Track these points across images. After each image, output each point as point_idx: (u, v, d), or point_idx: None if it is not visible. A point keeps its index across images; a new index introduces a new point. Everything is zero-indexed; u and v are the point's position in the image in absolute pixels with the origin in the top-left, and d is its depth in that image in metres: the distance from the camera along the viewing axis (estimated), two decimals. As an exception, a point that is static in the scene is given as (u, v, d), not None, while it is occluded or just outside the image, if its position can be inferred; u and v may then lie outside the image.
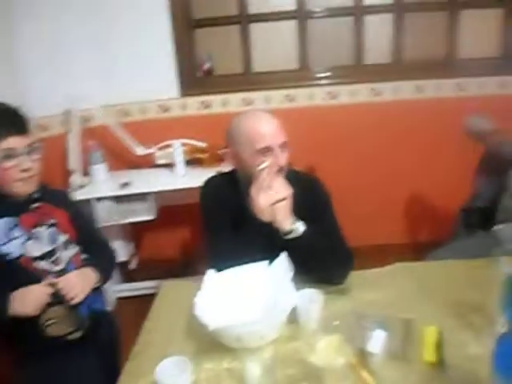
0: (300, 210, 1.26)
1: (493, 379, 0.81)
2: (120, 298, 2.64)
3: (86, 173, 2.51)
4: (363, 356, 1.00)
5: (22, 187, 1.31)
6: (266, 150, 1.28)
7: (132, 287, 2.67)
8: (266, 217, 1.23)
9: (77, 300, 1.28)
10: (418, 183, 2.80)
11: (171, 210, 2.59)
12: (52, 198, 1.44)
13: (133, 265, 2.91)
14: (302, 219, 1.26)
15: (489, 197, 1.95)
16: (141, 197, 2.37)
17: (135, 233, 2.88)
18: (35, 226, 1.34)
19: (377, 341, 0.98)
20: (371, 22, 2.71)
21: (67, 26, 2.48)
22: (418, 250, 1.90)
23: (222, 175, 1.55)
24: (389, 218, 2.85)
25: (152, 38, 2.62)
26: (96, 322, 1.39)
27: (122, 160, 2.70)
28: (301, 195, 1.26)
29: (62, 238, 1.40)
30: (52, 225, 1.38)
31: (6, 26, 2.31)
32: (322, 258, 1.25)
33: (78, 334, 1.33)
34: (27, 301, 1.22)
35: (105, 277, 1.47)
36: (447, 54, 2.75)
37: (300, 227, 1.23)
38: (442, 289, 1.27)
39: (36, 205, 1.37)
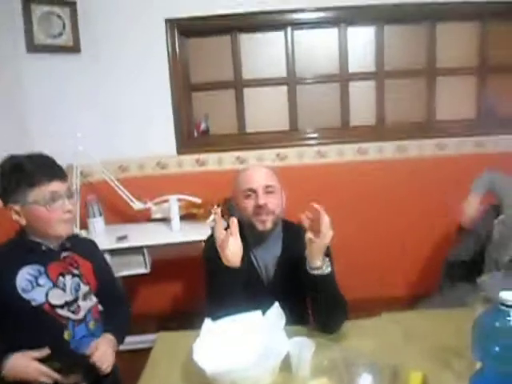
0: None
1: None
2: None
3: (83, 226, 2.58)
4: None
5: (65, 229, 1.37)
6: (250, 192, 1.44)
7: (126, 341, 2.66)
8: (235, 264, 1.34)
9: (107, 371, 1.34)
10: (402, 240, 2.91)
11: (165, 264, 2.65)
12: (80, 248, 1.49)
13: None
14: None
15: (472, 249, 2.04)
16: (136, 250, 2.43)
17: (128, 286, 2.90)
18: (60, 275, 1.39)
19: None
20: (356, 87, 2.93)
21: (73, 83, 2.65)
22: (408, 303, 1.97)
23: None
24: (377, 272, 2.93)
25: (153, 99, 2.80)
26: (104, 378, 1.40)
27: (119, 214, 2.79)
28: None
29: (84, 288, 1.44)
30: (76, 275, 1.43)
31: (16, 87, 2.48)
32: (334, 301, 1.34)
33: None
34: (26, 371, 1.25)
35: (122, 339, 1.52)
36: (426, 117, 2.97)
37: (328, 265, 1.32)
38: (426, 337, 1.34)
39: (65, 254, 1.43)
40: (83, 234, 2.52)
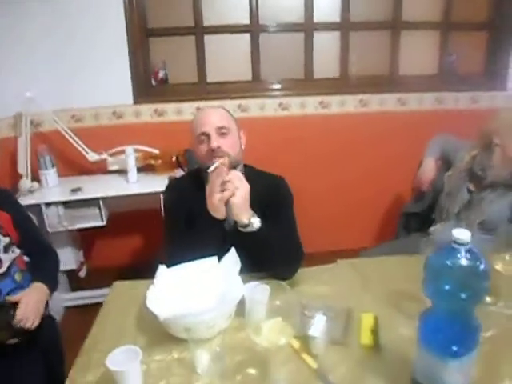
0: (261, 204, 1.33)
1: (417, 351, 0.90)
2: (68, 307, 2.58)
3: (36, 178, 2.45)
4: (305, 340, 1.06)
5: None
6: (204, 136, 1.39)
7: (81, 296, 2.62)
8: (219, 214, 1.29)
9: (34, 326, 1.30)
10: (362, 191, 2.96)
11: (122, 216, 2.59)
12: None
13: (82, 273, 2.85)
14: (262, 214, 1.31)
15: (426, 202, 2.10)
16: (91, 203, 2.36)
17: (84, 240, 2.84)
18: None
19: (318, 325, 1.05)
20: (320, 38, 2.86)
21: (24, 26, 2.45)
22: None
23: (187, 175, 1.61)
24: (336, 225, 2.98)
25: (107, 45, 2.63)
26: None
27: (73, 166, 2.67)
28: (264, 191, 1.32)
29: (4, 240, 1.38)
30: None
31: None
32: (275, 253, 1.31)
33: (16, 339, 1.31)
34: None
35: (54, 286, 1.47)
36: (389, 71, 2.95)
37: (256, 222, 1.28)
38: (380, 282, 1.37)
39: None
40: (35, 186, 2.41)
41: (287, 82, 2.88)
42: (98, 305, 2.52)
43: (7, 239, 1.38)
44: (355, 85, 2.91)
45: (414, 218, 2.16)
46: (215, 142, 1.37)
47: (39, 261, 1.48)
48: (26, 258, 1.45)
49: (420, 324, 0.89)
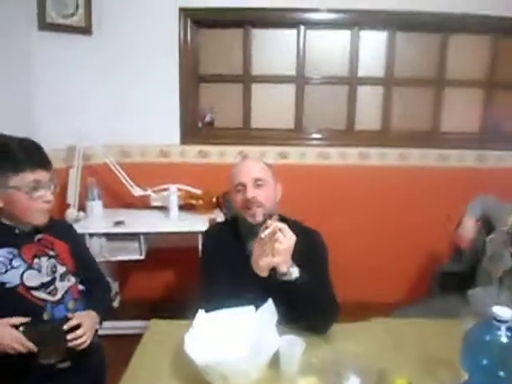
0: (299, 258, 1.35)
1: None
2: (99, 336, 2.63)
3: (81, 208, 2.58)
4: (338, 401, 1.06)
5: (41, 218, 1.37)
6: (241, 186, 1.46)
7: (113, 326, 2.67)
8: (263, 274, 1.33)
9: (84, 346, 1.33)
10: (399, 246, 2.93)
11: (160, 252, 2.66)
12: (54, 229, 1.48)
13: (115, 303, 2.93)
14: (298, 266, 1.34)
15: (468, 261, 2.07)
16: (132, 236, 2.44)
17: (121, 271, 2.92)
18: (35, 257, 1.37)
19: (352, 386, 1.06)
20: (364, 92, 2.94)
21: (81, 64, 2.65)
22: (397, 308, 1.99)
23: (224, 222, 1.66)
24: (370, 277, 2.95)
25: (160, 87, 2.80)
26: (85, 351, 1.40)
27: (118, 199, 2.79)
28: (300, 244, 1.36)
29: (61, 269, 1.43)
30: (52, 256, 1.42)
31: (25, 64, 2.47)
32: (312, 306, 1.33)
33: (66, 364, 1.35)
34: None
35: (105, 316, 1.51)
36: (431, 126, 2.98)
37: (295, 271, 1.31)
38: (414, 344, 1.35)
39: (39, 236, 1.42)
40: (81, 215, 2.53)
41: (328, 132, 2.95)
42: (130, 336, 2.57)
43: (64, 268, 1.44)
44: (396, 138, 2.94)
45: (452, 278, 2.12)
46: (251, 192, 1.43)
47: (93, 290, 1.53)
48: (80, 287, 1.50)
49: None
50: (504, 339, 0.80)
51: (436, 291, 2.18)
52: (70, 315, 1.34)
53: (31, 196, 1.32)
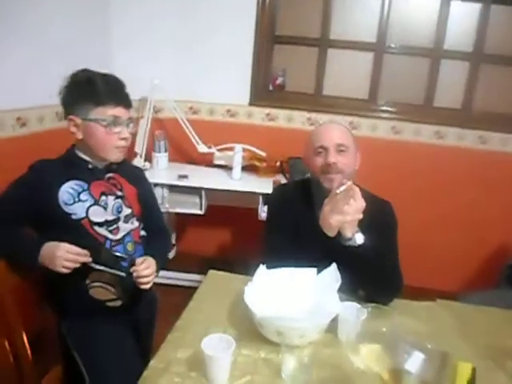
0: (367, 227, 1.31)
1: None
2: (154, 284, 2.73)
3: (148, 158, 2.64)
4: (397, 375, 1.02)
5: (117, 154, 1.39)
6: (321, 149, 1.40)
7: (167, 276, 2.76)
8: (331, 233, 1.29)
9: (148, 286, 1.36)
10: (466, 233, 2.79)
11: (219, 210, 2.68)
12: (126, 172, 1.51)
13: (171, 254, 3.01)
14: (367, 235, 1.30)
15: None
16: (194, 191, 2.48)
17: (179, 224, 2.99)
18: (103, 194, 1.40)
19: (415, 361, 1.01)
20: (447, 66, 2.75)
21: (160, 18, 2.67)
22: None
23: (294, 184, 1.63)
24: (434, 262, 2.83)
25: (234, 46, 2.77)
26: (138, 296, 1.43)
27: (183, 154, 2.84)
28: (370, 213, 1.31)
29: (126, 211, 1.45)
30: (119, 197, 1.44)
31: (104, 12, 2.52)
32: (375, 274, 1.29)
33: (118, 303, 1.38)
34: (54, 257, 1.24)
35: (162, 265, 1.52)
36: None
37: (360, 238, 1.27)
38: (480, 331, 1.29)
39: (110, 175, 1.45)
40: (147, 166, 2.60)
41: (404, 107, 2.80)
42: (182, 287, 2.64)
43: (129, 210, 1.46)
44: (477, 120, 2.74)
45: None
46: (333, 157, 1.38)
47: (154, 238, 1.55)
48: (142, 233, 1.53)
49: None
50: None
51: (503, 284, 2.06)
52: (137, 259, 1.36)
53: (110, 130, 1.34)
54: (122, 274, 1.33)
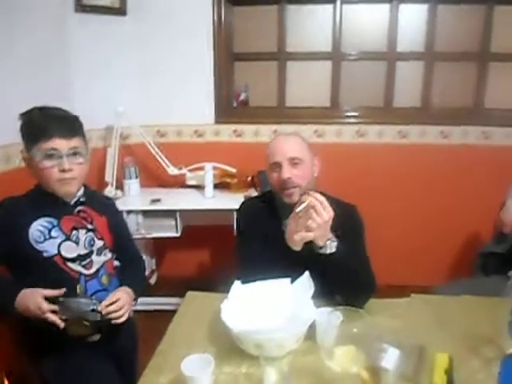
0: (334, 232, 1.33)
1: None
2: (137, 311, 2.70)
3: (119, 186, 2.63)
4: (375, 372, 1.04)
5: (61, 188, 1.35)
6: (276, 165, 1.43)
7: (150, 302, 2.73)
8: (297, 248, 1.32)
9: (122, 320, 1.33)
10: (437, 226, 2.85)
11: (196, 230, 2.68)
12: (95, 203, 1.50)
13: (152, 280, 2.99)
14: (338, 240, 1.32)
15: (510, 243, 1.99)
16: (168, 214, 2.48)
17: (157, 249, 2.98)
18: (74, 229, 1.39)
19: (391, 358, 1.03)
20: (403, 67, 2.84)
21: (117, 46, 2.69)
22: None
23: (258, 197, 1.67)
24: (407, 259, 2.88)
25: (195, 67, 2.80)
26: (116, 327, 1.39)
27: (154, 178, 2.83)
28: (337, 219, 1.34)
29: (98, 243, 1.44)
30: (90, 230, 1.43)
31: (61, 46, 2.51)
32: (349, 278, 1.31)
33: (97, 337, 1.36)
34: (29, 304, 1.24)
35: (140, 294, 1.52)
36: (474, 103, 2.84)
37: (333, 246, 1.29)
38: (456, 321, 1.32)
39: (79, 208, 1.43)
40: (119, 194, 2.59)
41: (365, 110, 2.87)
42: (166, 312, 2.61)
43: (101, 242, 1.45)
44: (437, 116, 2.83)
45: (493, 259, 2.05)
46: (287, 173, 1.40)
47: (129, 267, 1.55)
48: (116, 263, 1.52)
49: (502, 370, 0.85)
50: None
51: (477, 272, 2.11)
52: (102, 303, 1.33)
53: (45, 164, 1.31)
54: (94, 314, 1.30)
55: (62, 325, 1.24)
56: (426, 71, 2.83)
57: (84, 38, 2.58)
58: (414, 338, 1.20)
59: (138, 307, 2.66)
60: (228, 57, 2.86)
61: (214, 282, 2.00)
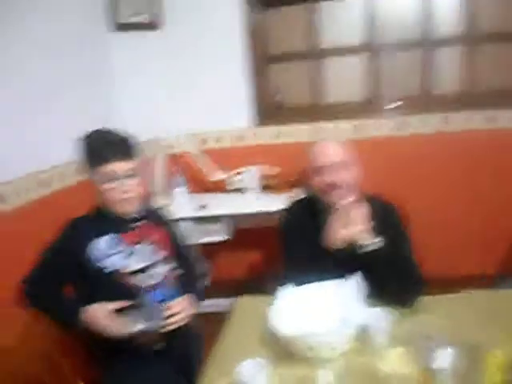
0: (378, 232, 1.36)
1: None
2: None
3: (167, 195, 2.73)
4: (430, 374, 1.05)
5: (123, 207, 1.46)
6: (319, 169, 1.46)
7: (204, 304, 2.82)
8: (338, 246, 1.35)
9: (181, 322, 1.41)
10: (488, 215, 2.77)
11: (244, 232, 2.74)
12: (153, 217, 1.59)
13: (207, 283, 3.09)
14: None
15: None
16: (216, 219, 2.55)
17: (210, 253, 3.06)
18: (137, 243, 1.49)
19: (445, 357, 1.03)
20: (442, 51, 2.77)
21: (153, 58, 2.79)
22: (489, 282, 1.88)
23: (301, 200, 1.69)
24: (462, 249, 2.82)
25: (230, 72, 2.84)
26: (182, 335, 1.48)
27: (199, 184, 2.91)
28: (377, 218, 1.35)
29: (160, 254, 1.53)
30: (152, 242, 1.52)
31: (101, 65, 2.65)
32: (396, 278, 1.33)
33: (162, 345, 1.44)
34: (96, 322, 1.33)
35: (201, 299, 1.61)
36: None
37: (378, 242, 1.32)
38: (508, 318, 1.29)
39: (138, 223, 1.52)
40: (168, 203, 2.68)
41: (405, 100, 2.82)
42: (218, 314, 2.69)
43: (163, 253, 1.54)
44: (482, 99, 2.72)
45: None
46: (332, 176, 1.43)
47: (189, 276, 1.63)
48: (177, 272, 1.59)
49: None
50: None
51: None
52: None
53: (108, 186, 1.42)
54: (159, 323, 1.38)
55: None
56: (467, 54, 2.73)
57: (121, 56, 2.70)
58: (467, 336, 1.19)
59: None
60: (264, 60, 2.89)
61: (265, 282, 2.06)
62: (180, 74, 2.84)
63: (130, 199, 1.46)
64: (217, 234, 2.57)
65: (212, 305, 2.75)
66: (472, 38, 2.71)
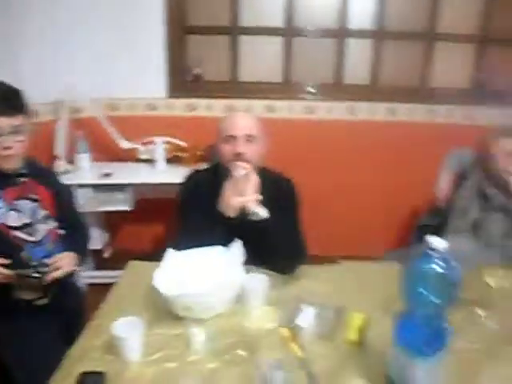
0: (269, 203, 1.41)
1: (392, 350, 0.96)
2: (92, 285, 2.73)
3: (69, 160, 2.62)
4: (295, 331, 1.14)
5: (7, 163, 1.40)
6: (230, 138, 1.50)
7: (104, 275, 2.75)
8: (231, 213, 1.40)
9: (58, 274, 1.39)
10: (383, 199, 2.98)
11: (148, 203, 2.71)
12: (38, 175, 1.53)
13: (106, 253, 3.02)
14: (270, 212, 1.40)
15: (443, 215, 2.12)
16: (120, 188, 2.50)
17: (111, 223, 2.99)
18: (17, 199, 1.43)
19: (306, 316, 1.13)
20: (353, 44, 2.90)
21: (66, 19, 2.62)
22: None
23: (204, 170, 1.71)
24: (353, 231, 3.01)
25: (146, 40, 2.76)
26: (64, 291, 1.50)
27: (106, 152, 2.81)
28: (273, 191, 1.41)
29: (42, 213, 1.49)
30: (34, 200, 1.48)
31: (8, 17, 2.42)
32: (278, 246, 1.41)
33: (44, 301, 1.44)
34: None
35: (83, 258, 1.60)
36: (420, 81, 2.95)
37: (265, 212, 1.38)
38: (376, 286, 1.42)
39: (21, 179, 1.46)
40: (69, 168, 2.57)
41: (316, 86, 2.93)
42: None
43: (45, 212, 1.50)
44: (385, 93, 2.93)
45: (427, 230, 2.17)
46: (242, 147, 1.47)
47: (72, 234, 1.60)
48: (60, 231, 1.56)
49: (395, 324, 0.95)
50: (438, 268, 0.85)
51: (415, 244, 2.24)
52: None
53: None
54: (39, 275, 1.36)
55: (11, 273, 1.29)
56: (375, 49, 2.90)
57: (30, 9, 2.49)
58: (337, 300, 1.29)
59: (94, 280, 2.73)
60: (181, 30, 2.83)
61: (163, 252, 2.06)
62: (93, 37, 2.69)
63: (9, 157, 1.39)
64: (119, 204, 2.51)
65: (113, 276, 2.69)
66: (380, 34, 2.88)
